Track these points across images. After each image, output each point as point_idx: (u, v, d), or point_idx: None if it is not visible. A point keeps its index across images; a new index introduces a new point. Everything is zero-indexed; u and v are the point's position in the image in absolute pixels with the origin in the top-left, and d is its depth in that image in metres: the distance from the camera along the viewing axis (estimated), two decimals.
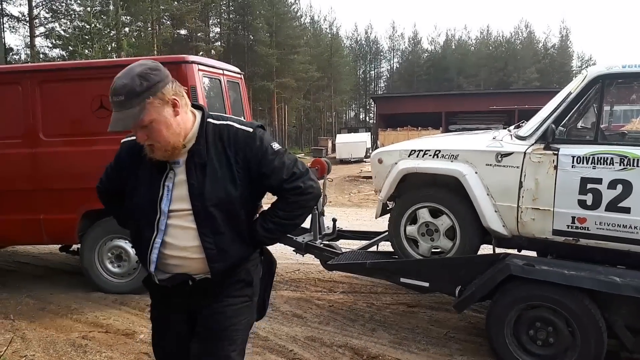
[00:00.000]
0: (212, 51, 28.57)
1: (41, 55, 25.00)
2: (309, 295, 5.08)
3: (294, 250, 5.32)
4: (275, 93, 32.82)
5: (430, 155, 4.00)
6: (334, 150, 32.36)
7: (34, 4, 24.61)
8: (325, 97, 49.02)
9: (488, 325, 3.55)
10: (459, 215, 3.91)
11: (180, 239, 1.82)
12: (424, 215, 4.05)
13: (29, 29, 24.73)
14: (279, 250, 6.54)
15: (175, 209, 1.80)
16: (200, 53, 26.00)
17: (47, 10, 25.74)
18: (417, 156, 4.05)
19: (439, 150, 3.96)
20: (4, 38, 18.98)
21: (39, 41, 25.55)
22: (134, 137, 1.81)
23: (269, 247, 2.09)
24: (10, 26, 26.39)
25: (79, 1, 22.76)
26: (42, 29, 25.47)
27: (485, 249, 4.20)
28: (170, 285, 1.88)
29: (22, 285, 5.49)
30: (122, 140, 1.92)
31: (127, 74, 1.66)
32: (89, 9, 18.93)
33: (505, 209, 3.72)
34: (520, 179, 3.62)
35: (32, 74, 4.95)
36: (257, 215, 1.98)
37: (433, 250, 4.14)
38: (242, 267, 1.91)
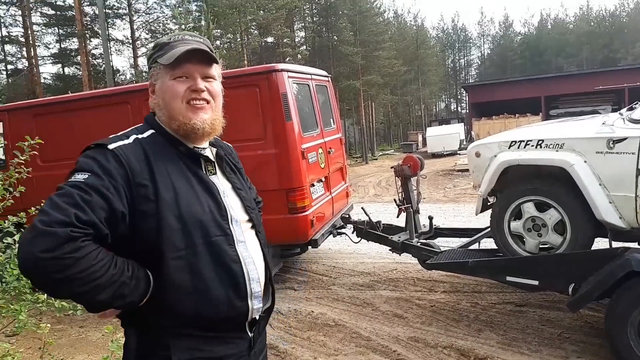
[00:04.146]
0: (299, 55, 29.14)
1: (144, 74, 27.07)
2: (408, 295, 5.00)
3: (390, 250, 5.29)
4: (362, 91, 32.72)
5: (532, 146, 3.76)
6: (424, 144, 31.67)
7: (135, 27, 26.78)
8: (413, 91, 48.01)
9: (608, 325, 3.28)
10: (568, 208, 3.64)
11: (252, 253, 1.45)
12: (529, 209, 3.82)
13: (132, 51, 26.95)
14: (374, 250, 6.54)
15: (235, 216, 1.44)
16: (288, 59, 26.66)
17: (146, 31, 27.91)
18: (519, 147, 3.84)
19: (542, 140, 3.72)
20: (111, 61, 20.79)
21: (142, 61, 27.73)
22: (128, 141, 1.35)
23: None
24: (116, 49, 29.02)
25: (173, 20, 24.34)
26: (143, 50, 27.64)
27: (600, 243, 3.89)
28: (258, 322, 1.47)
29: None
30: (114, 147, 1.31)
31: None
32: (183, 26, 20.14)
33: (621, 200, 3.41)
34: (637, 165, 3.30)
35: (139, 93, 5.37)
36: None
37: (541, 246, 3.90)
38: None
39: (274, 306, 1.56)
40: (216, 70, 1.46)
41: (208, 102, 1.43)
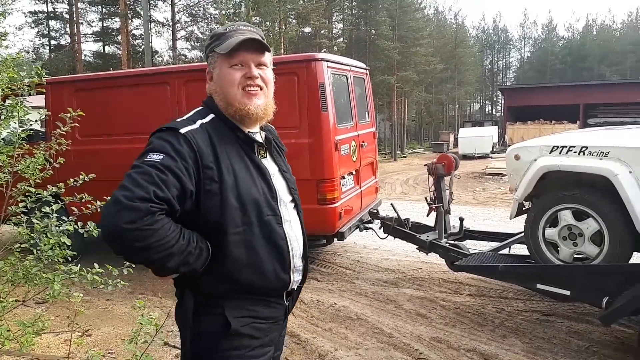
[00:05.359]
0: (335, 47, 29.03)
1: (181, 57, 27.40)
2: (432, 295, 4.94)
3: (416, 248, 5.23)
4: (396, 87, 32.42)
5: (575, 152, 3.65)
6: (456, 145, 31.25)
7: (175, 9, 27.08)
8: (448, 90, 47.39)
9: None
10: (608, 219, 3.52)
11: (295, 231, 1.62)
12: (566, 217, 3.72)
13: (171, 33, 27.28)
14: (400, 247, 6.48)
15: (283, 198, 1.59)
16: (324, 50, 26.59)
17: (187, 15, 28.21)
18: (560, 152, 3.72)
19: (586, 147, 3.60)
20: (151, 42, 21.09)
21: (180, 43, 28.10)
22: (195, 126, 1.47)
23: None
24: (156, 31, 29.42)
25: (214, 5, 24.56)
26: (182, 32, 27.98)
27: (637, 258, 3.77)
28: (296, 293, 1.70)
29: None
30: (185, 131, 1.43)
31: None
32: (223, 11, 20.31)
33: None
34: None
35: (179, 74, 5.42)
36: None
37: (575, 256, 3.79)
38: None
39: (305, 280, 1.70)
40: (268, 58, 1.58)
41: (261, 89, 1.54)
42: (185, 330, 1.52)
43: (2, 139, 3.53)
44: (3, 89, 3.43)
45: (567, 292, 3.58)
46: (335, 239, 5.42)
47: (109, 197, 1.31)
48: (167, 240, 1.32)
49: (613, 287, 3.36)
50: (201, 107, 1.59)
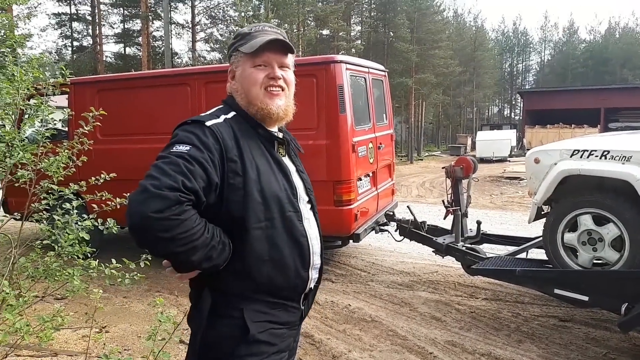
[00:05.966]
0: (353, 50, 28.99)
1: (201, 58, 27.66)
2: (448, 298, 4.91)
3: (432, 251, 5.21)
4: (413, 89, 32.22)
5: (596, 156, 3.60)
6: (473, 148, 30.94)
7: (196, 11, 27.36)
8: (466, 93, 46.98)
9: None
10: (629, 224, 3.47)
11: (314, 229, 1.60)
12: (586, 222, 3.66)
13: (191, 35, 27.56)
14: (415, 250, 6.45)
15: (302, 195, 1.59)
16: (342, 52, 26.57)
17: (206, 17, 28.45)
18: (581, 157, 3.67)
19: (608, 151, 3.55)
20: (171, 44, 21.32)
21: (199, 45, 28.38)
22: (220, 120, 1.48)
23: None
24: (176, 32, 29.77)
25: (234, 7, 24.72)
26: (202, 34, 28.25)
27: None
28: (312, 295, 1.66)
29: None
30: (211, 124, 1.43)
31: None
32: (242, 14, 20.44)
33: None
34: None
35: (199, 75, 5.48)
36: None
37: (595, 261, 3.73)
38: None
39: (320, 282, 1.68)
40: (291, 60, 1.59)
41: (283, 89, 1.55)
42: (197, 331, 1.47)
43: (27, 137, 3.60)
44: (28, 89, 3.51)
45: (586, 298, 3.53)
46: (351, 241, 5.43)
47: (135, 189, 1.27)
48: (193, 232, 1.28)
49: (633, 294, 3.31)
50: (222, 105, 1.59)
